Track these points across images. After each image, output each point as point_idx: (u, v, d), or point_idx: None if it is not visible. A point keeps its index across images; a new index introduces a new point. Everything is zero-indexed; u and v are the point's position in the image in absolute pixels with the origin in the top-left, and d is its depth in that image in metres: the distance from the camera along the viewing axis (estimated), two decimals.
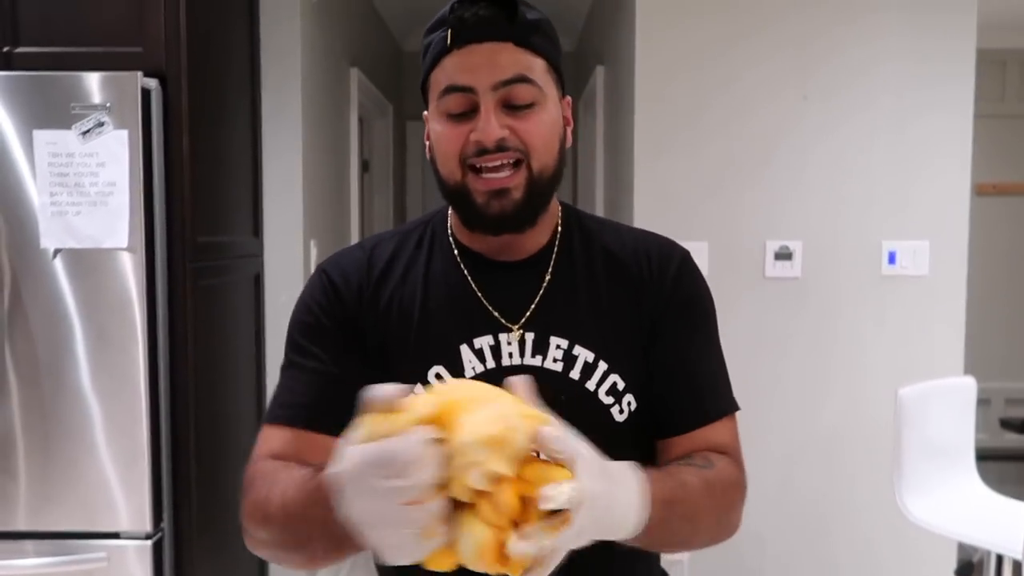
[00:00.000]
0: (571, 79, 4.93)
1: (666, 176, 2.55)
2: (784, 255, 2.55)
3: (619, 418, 0.88)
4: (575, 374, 0.88)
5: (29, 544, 1.83)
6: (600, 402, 0.88)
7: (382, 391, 0.63)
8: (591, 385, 0.88)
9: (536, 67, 0.84)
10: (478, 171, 0.83)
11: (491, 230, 0.86)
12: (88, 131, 1.80)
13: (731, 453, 0.90)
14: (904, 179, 2.54)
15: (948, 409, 2.12)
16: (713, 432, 0.89)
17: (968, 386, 2.16)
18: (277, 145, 2.53)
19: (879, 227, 2.55)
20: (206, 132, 2.06)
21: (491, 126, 0.81)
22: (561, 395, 0.85)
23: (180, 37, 1.90)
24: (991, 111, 4.08)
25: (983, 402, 3.01)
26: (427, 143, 0.91)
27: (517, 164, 0.83)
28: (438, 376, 0.88)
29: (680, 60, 2.54)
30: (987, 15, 2.68)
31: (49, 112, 1.79)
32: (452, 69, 0.83)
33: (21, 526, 1.83)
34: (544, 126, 0.84)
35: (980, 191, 4.18)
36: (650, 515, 0.70)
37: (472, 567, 0.61)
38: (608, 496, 0.64)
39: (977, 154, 2.60)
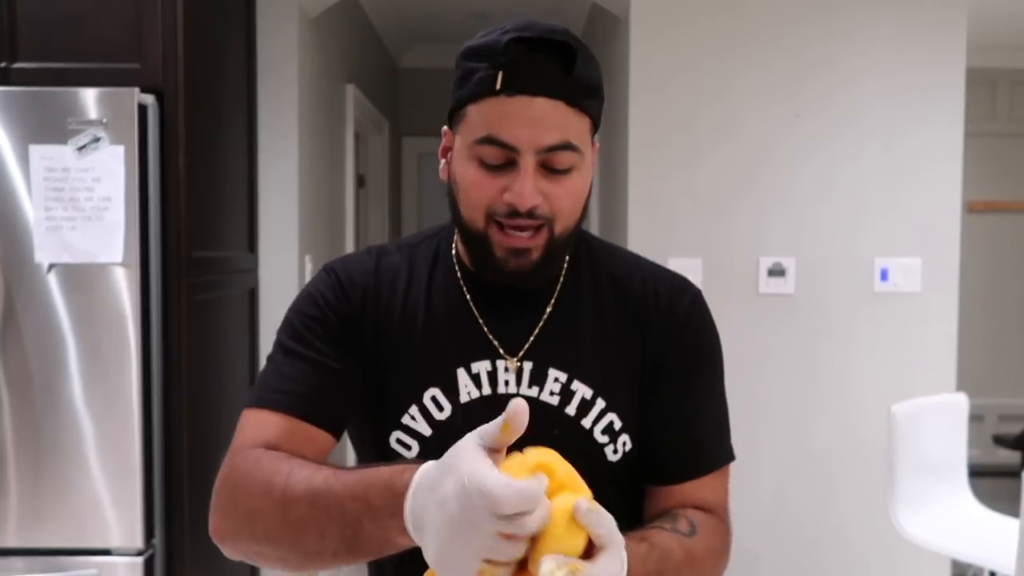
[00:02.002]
0: None
1: (660, 193, 2.56)
2: (777, 272, 2.56)
3: (612, 458, 0.86)
4: (571, 409, 0.85)
5: (19, 561, 1.82)
6: (595, 440, 0.86)
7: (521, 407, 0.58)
8: (587, 422, 0.86)
9: (581, 129, 0.80)
10: (502, 226, 0.81)
11: (505, 282, 0.85)
12: (84, 146, 1.80)
13: (718, 511, 0.87)
14: (896, 196, 2.57)
15: (941, 426, 2.13)
16: (703, 487, 0.87)
17: (960, 403, 2.17)
18: (273, 160, 2.54)
19: (871, 244, 2.57)
20: (202, 147, 2.07)
21: (528, 192, 0.78)
22: (554, 429, 0.84)
23: (177, 54, 1.91)
24: (982, 130, 4.12)
25: (976, 418, 3.02)
26: (443, 161, 0.87)
27: (539, 227, 0.81)
28: (433, 399, 0.86)
29: (673, 78, 2.56)
30: (977, 35, 2.72)
31: (45, 127, 1.80)
32: (496, 119, 0.77)
33: (11, 543, 1.82)
34: (576, 193, 0.82)
35: (971, 208, 4.21)
36: None
37: None
38: None
39: (968, 172, 2.63)
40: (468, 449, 0.58)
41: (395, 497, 0.62)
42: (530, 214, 0.79)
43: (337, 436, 0.85)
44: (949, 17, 2.54)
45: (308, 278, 2.66)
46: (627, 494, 0.88)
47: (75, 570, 1.81)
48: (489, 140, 0.78)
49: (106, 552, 1.82)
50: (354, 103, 3.32)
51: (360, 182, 3.93)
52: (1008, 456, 4.18)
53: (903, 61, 2.55)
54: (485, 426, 0.59)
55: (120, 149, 1.80)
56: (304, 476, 0.70)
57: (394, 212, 4.56)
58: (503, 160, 0.79)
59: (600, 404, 0.86)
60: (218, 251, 2.22)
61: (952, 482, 2.13)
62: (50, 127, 1.80)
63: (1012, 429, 4.21)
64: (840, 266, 2.57)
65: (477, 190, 0.80)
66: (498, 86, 0.77)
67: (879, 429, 2.19)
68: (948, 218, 2.57)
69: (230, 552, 0.77)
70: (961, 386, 2.47)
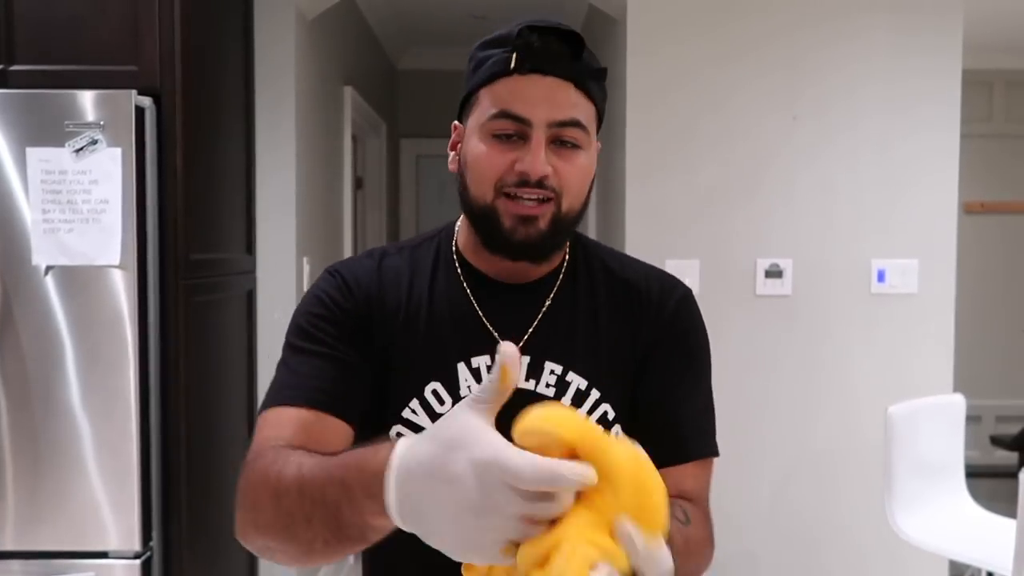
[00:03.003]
0: None
1: (658, 195, 2.57)
2: (775, 273, 2.57)
3: None
4: (566, 400, 0.88)
5: (16, 564, 1.82)
6: None
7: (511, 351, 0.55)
8: (581, 413, 0.88)
9: (588, 113, 0.86)
10: (511, 197, 0.84)
11: (513, 255, 0.87)
12: (81, 149, 1.80)
13: (700, 501, 0.88)
14: (893, 198, 2.57)
15: (938, 426, 2.13)
16: (686, 474, 0.88)
17: (957, 403, 2.18)
18: (271, 162, 2.54)
19: (868, 245, 2.57)
20: (200, 149, 2.07)
21: (540, 161, 0.82)
22: None
23: (174, 56, 1.91)
24: (979, 131, 4.13)
25: (974, 419, 3.02)
26: (451, 154, 0.91)
27: (547, 199, 0.84)
28: (434, 393, 0.88)
29: (671, 80, 2.56)
30: (973, 36, 2.73)
31: (43, 130, 1.80)
32: (510, 95, 0.83)
33: (9, 546, 1.82)
34: (582, 171, 0.86)
35: (968, 209, 4.22)
36: None
37: None
38: None
39: (965, 173, 2.63)
40: (473, 424, 0.54)
41: (369, 476, 0.59)
42: (540, 184, 0.82)
43: (355, 427, 0.86)
44: (945, 21, 2.55)
45: (306, 280, 2.66)
46: None
47: (72, 573, 1.81)
48: (503, 114, 0.83)
49: (103, 555, 1.82)
50: (352, 105, 3.32)
51: (358, 184, 3.93)
52: (1005, 457, 4.19)
53: (900, 65, 2.55)
54: (475, 397, 0.55)
55: (117, 151, 1.80)
56: (295, 465, 0.69)
57: (392, 214, 4.56)
58: (515, 132, 0.83)
59: (594, 395, 0.89)
60: (215, 253, 2.22)
61: (949, 483, 2.13)
62: (47, 129, 1.80)
63: (1009, 430, 4.22)
64: (837, 267, 2.57)
65: (488, 162, 0.84)
66: (512, 65, 0.82)
67: (877, 429, 2.20)
68: (945, 219, 2.58)
69: (249, 547, 0.76)
70: (958, 387, 2.47)
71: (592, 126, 0.87)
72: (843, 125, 2.56)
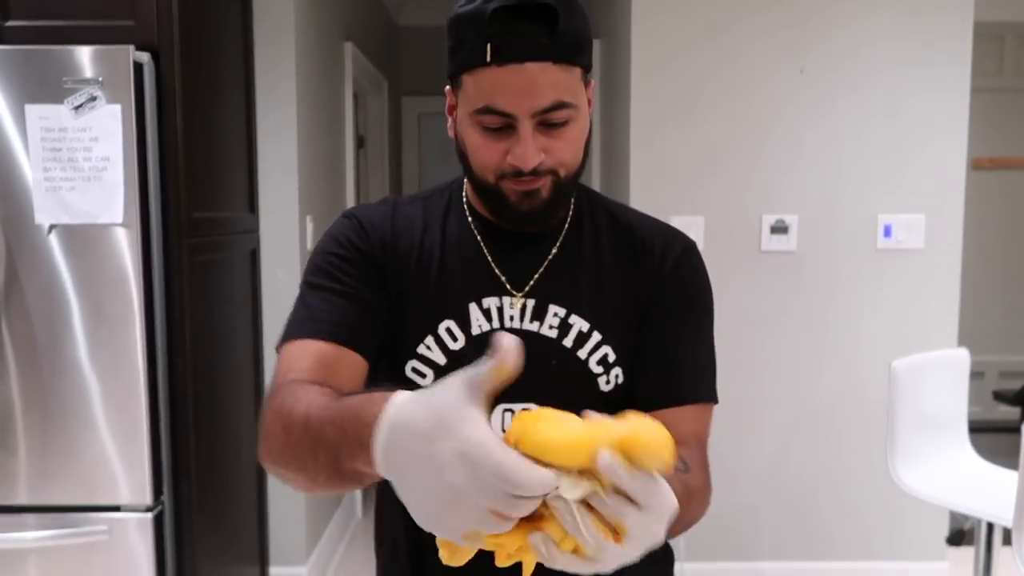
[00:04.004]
0: None
1: (662, 150, 2.54)
2: (780, 229, 2.55)
3: (605, 388, 0.91)
4: (568, 342, 0.91)
5: (31, 518, 1.85)
6: (589, 370, 0.91)
7: (510, 344, 0.55)
8: (583, 353, 0.91)
9: (573, 81, 0.85)
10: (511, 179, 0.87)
11: (520, 224, 0.91)
12: (80, 105, 1.79)
13: (697, 446, 0.89)
14: (900, 153, 2.54)
15: (942, 381, 2.14)
16: (684, 416, 0.89)
17: (962, 358, 2.18)
18: (272, 120, 2.52)
19: (875, 201, 2.55)
20: (200, 107, 2.05)
21: (529, 155, 0.83)
22: (552, 360, 0.90)
23: (172, 11, 1.88)
24: (988, 85, 4.07)
25: (977, 375, 3.03)
26: (449, 119, 0.92)
27: (544, 175, 0.87)
28: (448, 330, 0.91)
29: (677, 35, 2.52)
30: None
31: (41, 86, 1.78)
32: (491, 88, 0.82)
33: (23, 500, 1.85)
34: (575, 141, 0.87)
35: (976, 165, 4.18)
36: None
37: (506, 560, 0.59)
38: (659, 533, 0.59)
39: (973, 129, 2.60)
40: (465, 411, 0.54)
41: (363, 427, 0.60)
42: (534, 172, 0.85)
43: (371, 361, 0.89)
44: None
45: (310, 239, 2.65)
46: None
47: (86, 526, 1.84)
48: (487, 110, 0.83)
49: (116, 508, 1.85)
50: (352, 62, 3.27)
51: (360, 143, 3.90)
52: (1008, 412, 4.21)
53: (910, 17, 2.50)
54: (472, 377, 0.55)
55: (117, 108, 1.79)
56: (305, 404, 0.71)
57: (394, 173, 4.53)
58: (503, 124, 0.84)
59: (596, 337, 0.92)
60: (218, 212, 2.21)
61: (952, 436, 2.14)
62: (46, 86, 1.78)
63: (1012, 385, 4.24)
64: (843, 223, 2.56)
65: (483, 154, 0.87)
66: (488, 58, 0.81)
67: (880, 384, 2.20)
68: (953, 174, 2.55)
69: (269, 472, 0.79)
70: (963, 342, 2.47)
71: (579, 88, 0.86)
72: (851, 81, 2.52)
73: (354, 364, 0.86)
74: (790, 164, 2.55)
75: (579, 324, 0.91)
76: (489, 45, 0.81)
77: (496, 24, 0.80)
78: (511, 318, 0.92)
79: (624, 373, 0.92)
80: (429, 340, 0.91)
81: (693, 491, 0.82)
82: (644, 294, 0.93)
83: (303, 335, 0.86)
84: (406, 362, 0.92)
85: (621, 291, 0.93)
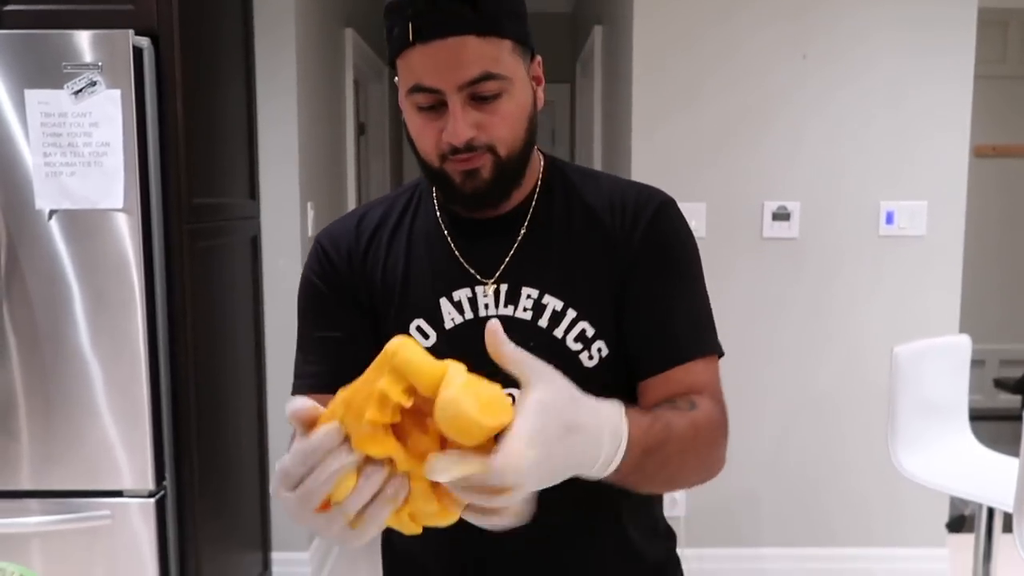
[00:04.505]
0: (569, 38, 4.88)
1: (664, 136, 2.53)
2: (782, 216, 2.55)
3: (588, 364, 0.91)
4: (543, 322, 0.91)
5: (34, 503, 1.86)
6: (568, 348, 0.91)
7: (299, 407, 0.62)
8: (559, 332, 0.91)
9: (502, 52, 0.84)
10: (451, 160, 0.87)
11: (466, 206, 0.91)
12: (80, 90, 1.78)
13: (710, 392, 0.89)
14: (903, 140, 2.53)
15: (943, 367, 2.14)
16: (691, 372, 0.89)
17: (963, 345, 2.18)
18: (272, 107, 2.51)
19: (877, 187, 2.55)
20: (200, 93, 2.04)
21: (459, 129, 0.83)
22: (530, 342, 0.88)
23: None
24: (991, 72, 4.04)
25: (977, 363, 3.03)
26: (403, 121, 0.93)
27: (482, 154, 0.87)
28: (419, 329, 0.92)
29: (679, 21, 2.51)
30: None
31: (41, 71, 1.78)
32: (417, 67, 0.83)
33: (25, 485, 1.85)
34: (511, 115, 0.86)
35: (978, 153, 4.16)
36: (628, 457, 0.69)
37: (425, 522, 0.61)
38: (568, 431, 0.62)
39: (976, 116, 2.59)
40: None
41: None
42: (468, 147, 0.84)
43: None
44: None
45: (311, 226, 2.65)
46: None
47: (89, 511, 1.85)
48: (416, 88, 0.84)
49: (118, 494, 1.86)
50: (353, 48, 3.26)
51: (361, 129, 3.89)
52: (1009, 400, 4.22)
53: (914, 4, 2.49)
54: None
55: (116, 93, 1.78)
56: None
57: (395, 160, 4.52)
58: (434, 102, 0.84)
59: (571, 314, 0.91)
60: (218, 198, 2.20)
61: (953, 423, 2.14)
62: (45, 71, 1.77)
63: (1013, 373, 4.24)
64: (845, 209, 2.55)
65: (421, 135, 0.87)
66: (411, 38, 0.82)
67: (881, 371, 2.20)
68: (956, 161, 2.54)
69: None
70: (964, 331, 2.47)
71: (513, 59, 0.85)
72: (854, 68, 2.51)
73: None
74: (792, 151, 2.54)
75: (552, 303, 0.91)
76: (411, 25, 0.82)
77: (418, 4, 0.81)
78: (485, 306, 0.92)
79: (608, 346, 0.91)
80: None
81: (701, 424, 0.82)
82: (620, 263, 0.91)
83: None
84: None
85: (595, 263, 0.92)
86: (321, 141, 2.87)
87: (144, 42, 1.84)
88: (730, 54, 2.51)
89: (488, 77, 0.82)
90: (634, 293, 0.91)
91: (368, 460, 0.58)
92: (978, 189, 3.36)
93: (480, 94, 0.83)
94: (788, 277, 2.57)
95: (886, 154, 2.54)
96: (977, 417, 2.28)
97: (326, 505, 0.59)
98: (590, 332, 0.91)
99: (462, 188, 0.87)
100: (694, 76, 2.52)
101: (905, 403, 2.03)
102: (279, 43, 2.49)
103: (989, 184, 4.25)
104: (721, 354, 0.93)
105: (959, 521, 2.77)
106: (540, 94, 0.91)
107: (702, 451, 0.84)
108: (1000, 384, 4.22)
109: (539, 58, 0.91)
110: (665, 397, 0.87)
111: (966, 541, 2.33)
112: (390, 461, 0.58)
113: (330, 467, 0.58)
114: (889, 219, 2.55)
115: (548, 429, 0.60)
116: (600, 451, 0.66)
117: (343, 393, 0.60)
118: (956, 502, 2.77)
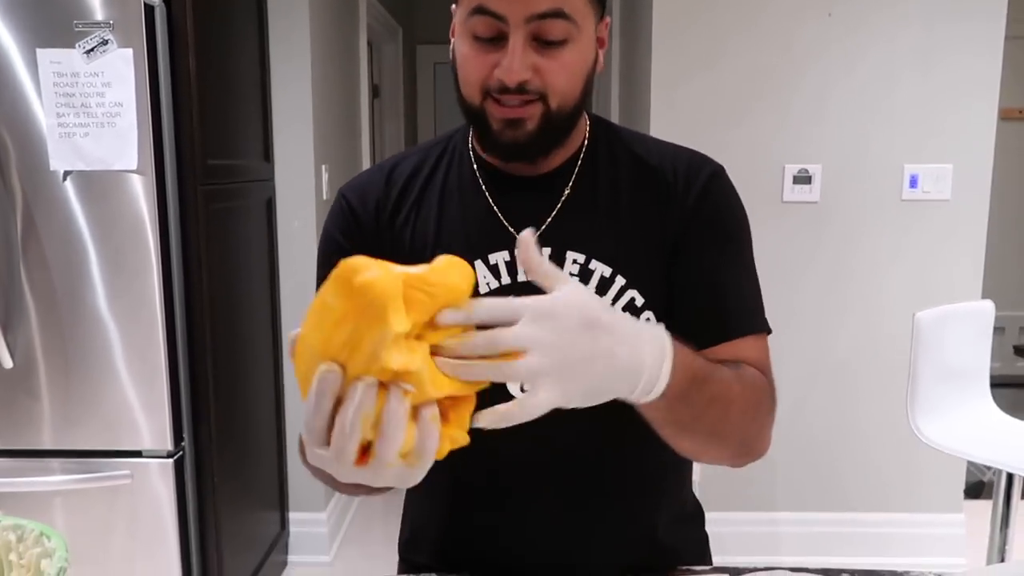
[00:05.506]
0: None
1: (683, 97, 2.48)
2: (803, 179, 2.50)
3: None
4: (591, 289, 0.86)
5: (56, 462, 1.88)
6: None
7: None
8: (607, 301, 0.86)
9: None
10: (497, 100, 0.81)
11: (503, 156, 0.85)
12: (92, 49, 1.76)
13: (762, 369, 0.86)
14: (929, 103, 2.47)
15: (965, 333, 2.11)
16: (739, 349, 0.85)
17: (987, 310, 2.14)
18: (286, 69, 2.48)
19: (901, 151, 2.49)
20: (213, 52, 2.02)
21: (515, 67, 0.77)
22: None
23: None
24: (1021, 32, 3.92)
25: (998, 330, 2.98)
26: (452, 41, 0.87)
27: (531, 102, 0.80)
28: None
29: None
30: None
31: (52, 30, 1.75)
32: None
33: (47, 444, 1.88)
34: (572, 66, 0.80)
35: (1005, 116, 4.06)
36: (675, 380, 0.63)
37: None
38: (589, 325, 0.58)
39: (1004, 78, 2.51)
40: None
41: None
42: (520, 89, 0.78)
43: None
44: None
45: (325, 189, 2.63)
46: None
47: (109, 471, 1.87)
48: (479, 10, 0.77)
49: (137, 454, 1.88)
50: (367, 10, 3.21)
51: (375, 92, 3.85)
52: None
53: None
54: None
55: (129, 52, 1.76)
56: None
57: (410, 122, 4.48)
58: (494, 32, 0.78)
59: (620, 282, 0.86)
60: (233, 159, 2.19)
61: (974, 389, 2.12)
62: (56, 30, 1.75)
63: None
64: (868, 173, 2.50)
65: (471, 66, 0.80)
66: None
67: (902, 336, 2.18)
68: (983, 124, 2.48)
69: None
70: (986, 296, 2.43)
71: (585, 9, 0.80)
72: (880, 29, 2.43)
73: None
74: (815, 113, 2.48)
75: (600, 269, 0.85)
76: None
77: None
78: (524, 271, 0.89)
79: (657, 316, 0.86)
80: None
81: (746, 382, 0.80)
82: (671, 230, 0.87)
83: None
84: None
85: (644, 230, 0.87)
86: (335, 103, 2.84)
87: (156, 0, 1.81)
88: (753, 14, 2.44)
89: (559, 15, 0.76)
90: (685, 264, 0.87)
91: (382, 388, 0.54)
92: (1004, 153, 3.28)
93: (545, 36, 0.77)
94: (809, 242, 2.53)
95: (911, 116, 2.47)
96: (997, 384, 2.25)
97: (363, 458, 0.55)
98: (639, 301, 0.86)
99: (500, 135, 0.81)
100: (715, 37, 2.45)
101: (926, 369, 2.00)
102: (292, 3, 2.45)
103: (1016, 148, 4.16)
104: (769, 331, 0.90)
105: (977, 487, 2.76)
106: (601, 57, 0.86)
107: (748, 408, 0.80)
108: (1020, 351, 4.17)
109: (608, 19, 0.86)
110: None
111: (983, 507, 2.32)
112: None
113: (352, 403, 0.52)
114: (913, 183, 2.49)
115: (561, 318, 0.57)
116: (641, 360, 0.61)
117: (315, 335, 0.57)
118: (972, 469, 2.75)
